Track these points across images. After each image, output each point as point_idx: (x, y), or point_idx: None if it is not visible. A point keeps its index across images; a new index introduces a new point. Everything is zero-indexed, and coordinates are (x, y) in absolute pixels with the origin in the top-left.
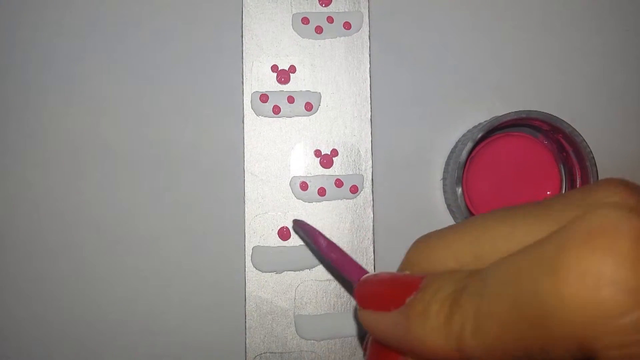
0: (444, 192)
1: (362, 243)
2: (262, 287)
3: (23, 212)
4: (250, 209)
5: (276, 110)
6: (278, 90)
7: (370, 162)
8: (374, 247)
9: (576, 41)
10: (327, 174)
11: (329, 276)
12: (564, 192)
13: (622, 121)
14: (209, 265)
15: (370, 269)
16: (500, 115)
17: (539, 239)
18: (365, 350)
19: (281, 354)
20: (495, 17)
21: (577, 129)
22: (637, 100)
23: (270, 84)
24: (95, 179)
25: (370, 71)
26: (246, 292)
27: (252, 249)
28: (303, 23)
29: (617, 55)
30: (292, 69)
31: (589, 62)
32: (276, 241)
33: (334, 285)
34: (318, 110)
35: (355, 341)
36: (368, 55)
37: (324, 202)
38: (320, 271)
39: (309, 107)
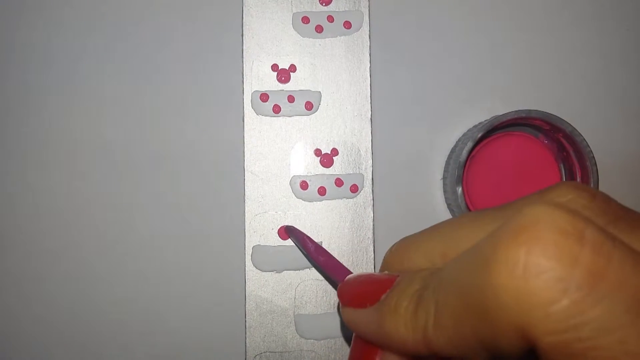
0: (444, 191)
1: (362, 242)
2: (262, 286)
3: (23, 212)
4: (250, 208)
5: (276, 109)
6: (278, 89)
7: (370, 162)
8: (374, 246)
9: (576, 41)
10: (327, 173)
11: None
12: None
13: (622, 121)
14: (209, 264)
15: (370, 268)
16: (500, 114)
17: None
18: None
19: (281, 353)
20: (495, 17)
21: (577, 129)
22: (637, 100)
23: (270, 83)
24: (95, 179)
25: (370, 70)
26: (246, 291)
27: (252, 248)
28: (303, 22)
29: (617, 55)
30: (293, 68)
31: (589, 62)
32: (276, 240)
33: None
34: (318, 110)
35: None
36: (368, 55)
37: (324, 202)
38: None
39: (309, 106)
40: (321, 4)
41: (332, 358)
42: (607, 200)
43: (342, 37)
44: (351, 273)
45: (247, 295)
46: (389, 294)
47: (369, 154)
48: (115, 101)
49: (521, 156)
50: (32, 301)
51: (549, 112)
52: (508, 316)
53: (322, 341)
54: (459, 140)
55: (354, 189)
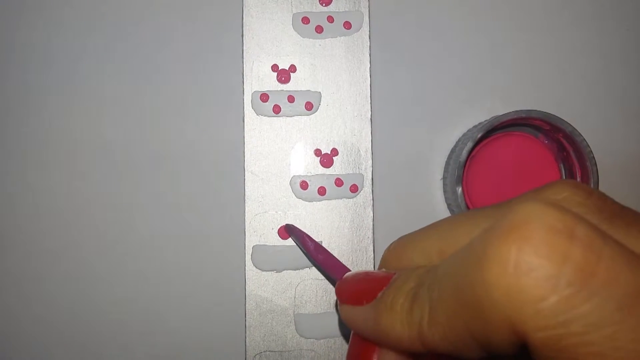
0: (444, 191)
1: (362, 242)
2: (262, 285)
3: (23, 212)
4: (250, 208)
5: (276, 109)
6: (278, 89)
7: (370, 162)
8: (373, 246)
9: (576, 41)
10: (327, 173)
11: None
12: None
13: (622, 121)
14: (209, 264)
15: (370, 267)
16: (500, 114)
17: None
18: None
19: (281, 352)
20: (495, 17)
21: (577, 129)
22: (637, 100)
23: (270, 83)
24: (95, 179)
25: (370, 71)
26: (246, 291)
27: (252, 248)
28: (303, 23)
29: (617, 55)
30: (293, 68)
31: (589, 62)
32: (276, 240)
33: None
34: (318, 110)
35: None
36: (368, 55)
37: (324, 201)
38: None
39: (309, 106)
40: (321, 4)
41: (332, 357)
42: (603, 197)
43: (342, 37)
44: (349, 271)
45: (247, 294)
46: (385, 292)
47: (369, 154)
48: (115, 101)
49: (521, 156)
50: (32, 301)
51: (549, 112)
52: (500, 313)
53: (321, 340)
54: (459, 140)
55: (354, 189)
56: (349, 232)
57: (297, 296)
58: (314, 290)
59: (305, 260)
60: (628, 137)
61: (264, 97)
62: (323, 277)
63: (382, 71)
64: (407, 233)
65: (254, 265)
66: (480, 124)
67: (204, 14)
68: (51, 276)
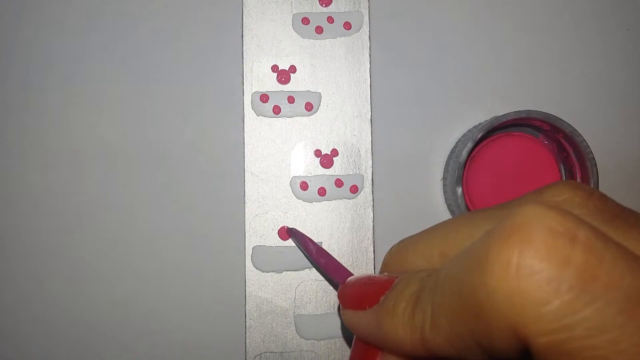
0: (444, 192)
1: (362, 243)
2: (262, 286)
3: (23, 212)
4: (250, 209)
5: (276, 110)
6: (278, 90)
7: (370, 162)
8: (374, 247)
9: (576, 41)
10: (327, 173)
11: None
12: None
13: (622, 121)
14: (209, 265)
15: (370, 268)
16: (500, 115)
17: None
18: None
19: (281, 353)
20: (495, 17)
21: (577, 129)
22: (637, 100)
23: (270, 84)
24: (95, 179)
25: (370, 71)
26: (246, 291)
27: (252, 249)
28: (303, 23)
29: (617, 55)
30: (293, 69)
31: (589, 62)
32: (276, 241)
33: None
34: (318, 110)
35: None
36: (368, 56)
37: (324, 202)
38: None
39: (309, 107)
40: (321, 5)
41: (332, 358)
42: (604, 198)
43: (342, 38)
44: (352, 275)
45: (247, 295)
46: (387, 296)
47: (369, 155)
48: (115, 101)
49: (521, 156)
50: (31, 301)
51: (549, 112)
52: (502, 317)
53: (322, 341)
54: (459, 140)
55: (354, 189)
56: (349, 232)
57: (297, 297)
58: (314, 291)
59: (305, 261)
60: (628, 137)
61: (264, 97)
62: (323, 278)
63: (382, 71)
64: (407, 234)
65: (254, 266)
66: (480, 124)
67: (204, 14)
68: (51, 276)
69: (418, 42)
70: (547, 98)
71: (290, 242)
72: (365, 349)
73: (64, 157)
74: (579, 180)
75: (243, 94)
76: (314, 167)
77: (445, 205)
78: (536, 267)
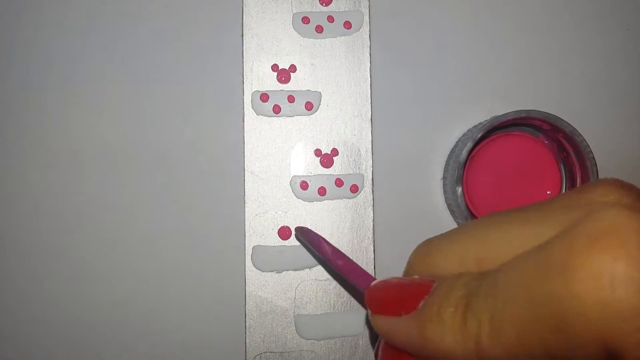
0: (444, 191)
1: (362, 242)
2: (262, 286)
3: (23, 212)
4: (250, 208)
5: (276, 109)
6: (278, 89)
7: (370, 162)
8: (374, 246)
9: (576, 41)
10: (327, 173)
11: (329, 276)
12: (563, 191)
13: (622, 121)
14: (209, 264)
15: (370, 268)
16: (500, 114)
17: (545, 240)
18: (376, 353)
19: (281, 353)
20: (495, 17)
21: (577, 129)
22: (637, 100)
23: (270, 83)
24: (95, 179)
25: (370, 70)
26: (246, 291)
27: (252, 249)
28: (303, 22)
29: (617, 55)
30: (293, 68)
31: (589, 62)
32: (276, 240)
33: (334, 284)
34: (318, 110)
35: (355, 340)
36: (368, 55)
37: (324, 202)
38: (320, 271)
39: (309, 106)
40: (321, 4)
41: (332, 358)
42: None
43: (342, 37)
44: (373, 277)
45: (247, 295)
46: (428, 301)
47: (369, 154)
48: (115, 101)
49: (521, 156)
50: (31, 301)
51: (549, 112)
52: (590, 328)
53: (322, 341)
54: (459, 140)
55: (354, 189)
56: (349, 232)
57: (297, 297)
58: (314, 291)
59: (305, 260)
60: (628, 137)
61: (264, 97)
62: (323, 278)
63: (383, 71)
64: (407, 234)
65: (254, 265)
66: (480, 124)
67: (204, 14)
68: (51, 276)
69: (418, 42)
70: (547, 98)
71: (290, 242)
72: (397, 355)
73: (64, 157)
74: (579, 180)
75: (243, 93)
76: (314, 167)
77: (445, 204)
78: (631, 276)
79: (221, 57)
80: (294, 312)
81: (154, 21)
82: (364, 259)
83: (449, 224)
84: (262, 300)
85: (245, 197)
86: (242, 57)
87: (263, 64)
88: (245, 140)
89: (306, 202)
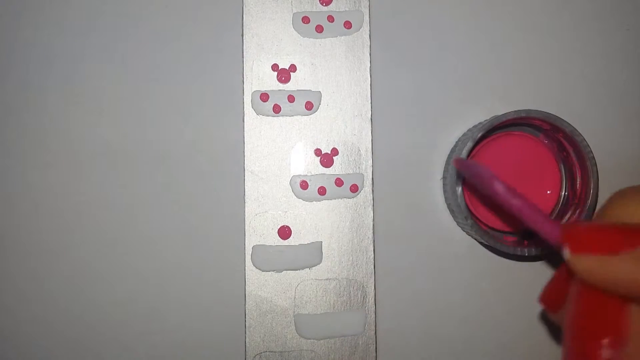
0: (444, 191)
1: (362, 242)
2: (261, 286)
3: (23, 212)
4: (250, 208)
5: (276, 109)
6: (278, 89)
7: (370, 161)
8: (374, 246)
9: (576, 41)
10: (327, 173)
11: (329, 275)
12: (563, 191)
13: (622, 121)
14: (208, 264)
15: (370, 268)
16: (500, 114)
17: None
18: (548, 304)
19: (281, 352)
20: (495, 17)
21: (577, 129)
22: (637, 100)
23: (270, 83)
24: (95, 179)
25: (370, 70)
26: (246, 291)
27: (252, 248)
28: (303, 22)
29: (617, 55)
30: (293, 68)
31: (589, 62)
32: (276, 240)
33: (334, 284)
34: (318, 110)
35: (354, 340)
36: (368, 55)
37: (324, 201)
38: (320, 270)
39: (309, 106)
40: (321, 4)
41: (332, 358)
42: None
43: (342, 37)
44: (553, 220)
45: (246, 295)
46: None
47: (369, 154)
48: (115, 101)
49: (521, 156)
50: (31, 301)
51: (549, 112)
52: None
53: (322, 341)
54: (459, 140)
55: (354, 188)
56: (349, 232)
57: (297, 296)
58: (314, 291)
59: (305, 260)
60: (628, 137)
61: (264, 96)
62: (323, 278)
63: (383, 70)
64: (407, 234)
65: (253, 265)
66: (480, 123)
67: (203, 14)
68: (51, 276)
69: (418, 42)
70: (547, 98)
71: (290, 241)
72: (602, 299)
73: (64, 157)
74: (579, 180)
75: (243, 93)
76: (314, 166)
77: (445, 204)
78: None
79: (221, 57)
80: (294, 312)
81: (154, 21)
82: (364, 259)
83: (449, 224)
84: (262, 299)
85: (245, 197)
86: (242, 57)
87: (263, 64)
88: (245, 140)
89: (306, 202)
